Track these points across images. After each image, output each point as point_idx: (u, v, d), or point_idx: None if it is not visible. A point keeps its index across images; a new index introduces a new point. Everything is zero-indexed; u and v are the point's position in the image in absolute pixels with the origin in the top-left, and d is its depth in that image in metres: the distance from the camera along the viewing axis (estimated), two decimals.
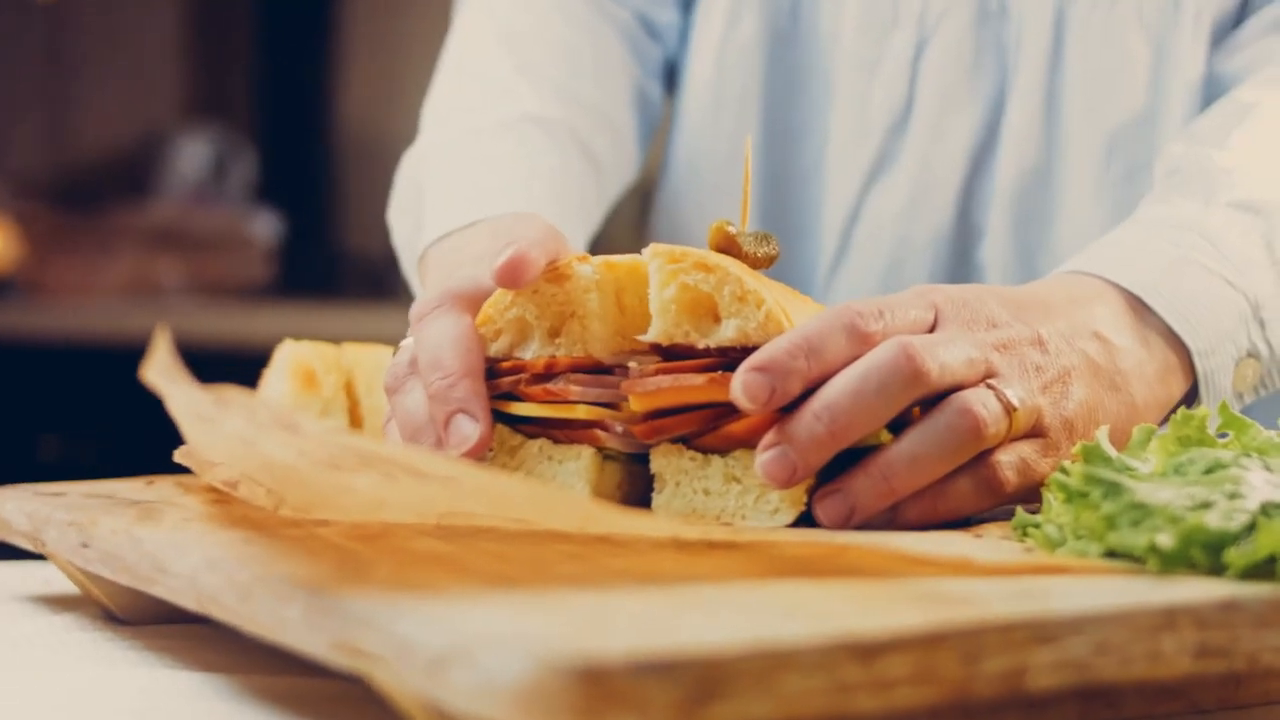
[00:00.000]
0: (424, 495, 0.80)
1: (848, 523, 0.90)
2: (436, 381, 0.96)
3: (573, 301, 0.99)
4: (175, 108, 3.95)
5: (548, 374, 0.98)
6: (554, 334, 0.99)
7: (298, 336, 1.17)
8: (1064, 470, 0.88)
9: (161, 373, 0.81)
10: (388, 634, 0.67)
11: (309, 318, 3.30)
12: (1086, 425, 0.96)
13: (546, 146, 1.31)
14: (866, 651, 0.64)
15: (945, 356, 0.91)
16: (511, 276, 0.97)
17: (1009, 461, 0.93)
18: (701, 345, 0.95)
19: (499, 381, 1.00)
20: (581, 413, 0.98)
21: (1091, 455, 0.87)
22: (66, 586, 1.05)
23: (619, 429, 0.97)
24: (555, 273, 0.99)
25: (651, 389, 0.94)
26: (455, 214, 1.23)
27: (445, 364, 0.96)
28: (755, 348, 0.92)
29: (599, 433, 0.98)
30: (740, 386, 0.89)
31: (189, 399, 0.82)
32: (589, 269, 0.98)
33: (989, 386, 0.92)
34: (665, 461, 0.96)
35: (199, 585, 0.81)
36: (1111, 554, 0.79)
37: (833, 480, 0.91)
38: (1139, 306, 1.04)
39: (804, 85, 1.40)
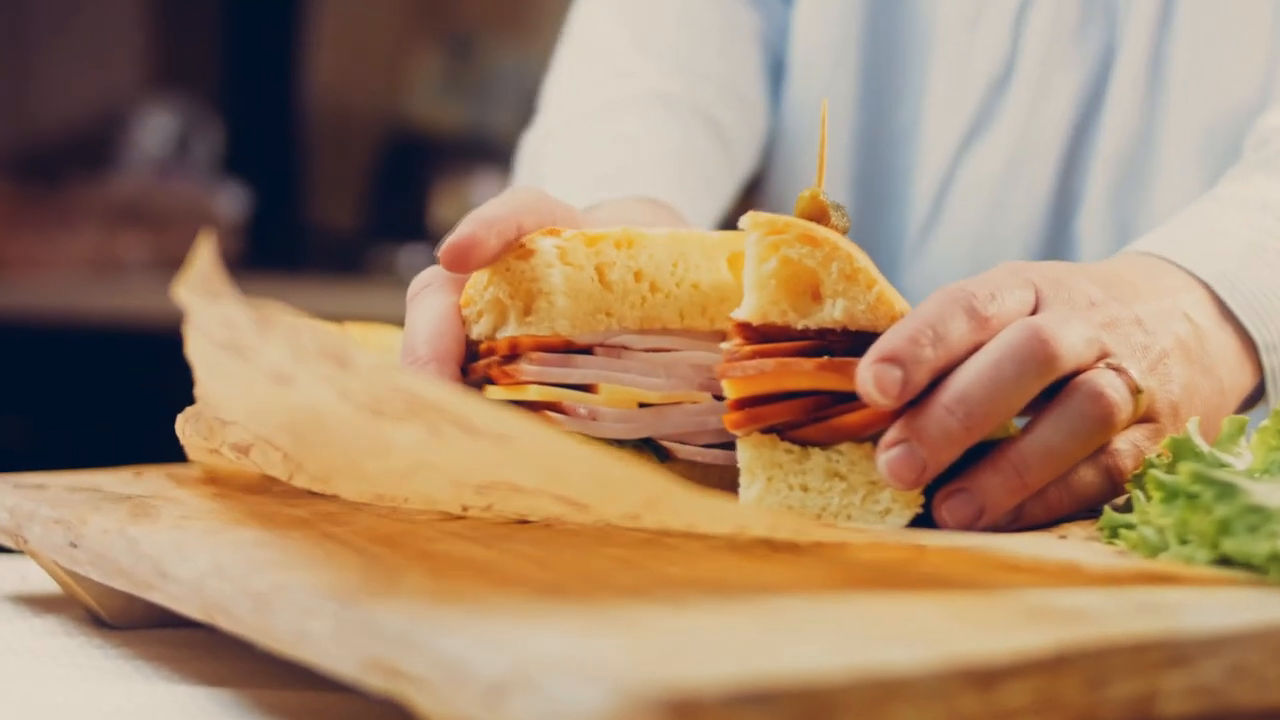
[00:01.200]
0: (470, 456, 0.71)
1: (975, 523, 0.83)
2: (406, 367, 0.91)
3: (538, 278, 0.92)
4: (138, 78, 3.85)
5: (513, 355, 0.92)
6: (527, 312, 0.93)
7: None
8: (1151, 465, 0.81)
9: (199, 287, 0.72)
10: (434, 654, 0.59)
11: (276, 294, 3.21)
12: (1188, 409, 0.90)
13: (667, 123, 1.26)
14: (985, 678, 0.56)
15: (1070, 338, 0.84)
16: (456, 260, 0.91)
17: (1126, 449, 0.86)
18: (800, 326, 0.87)
19: (476, 365, 0.94)
20: (533, 394, 0.91)
21: (1182, 449, 0.80)
22: (47, 585, 0.97)
23: (583, 411, 0.90)
24: (523, 249, 0.92)
25: (752, 373, 0.86)
26: (569, 201, 1.17)
27: (415, 349, 0.92)
28: (859, 333, 0.85)
29: (552, 415, 0.91)
30: (871, 380, 0.81)
31: (223, 321, 0.73)
32: (550, 243, 0.92)
33: (1113, 368, 0.85)
34: (756, 454, 0.87)
35: (205, 592, 0.73)
36: (1223, 561, 0.71)
37: (956, 478, 0.83)
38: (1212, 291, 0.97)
39: (902, 41, 1.34)
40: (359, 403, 0.71)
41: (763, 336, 0.87)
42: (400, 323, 1.19)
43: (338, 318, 1.12)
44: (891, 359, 0.81)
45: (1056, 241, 1.29)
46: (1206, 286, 0.97)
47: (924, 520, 0.85)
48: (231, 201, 3.61)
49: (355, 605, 0.64)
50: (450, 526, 0.81)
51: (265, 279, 3.33)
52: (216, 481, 0.96)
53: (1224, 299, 0.97)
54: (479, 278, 0.94)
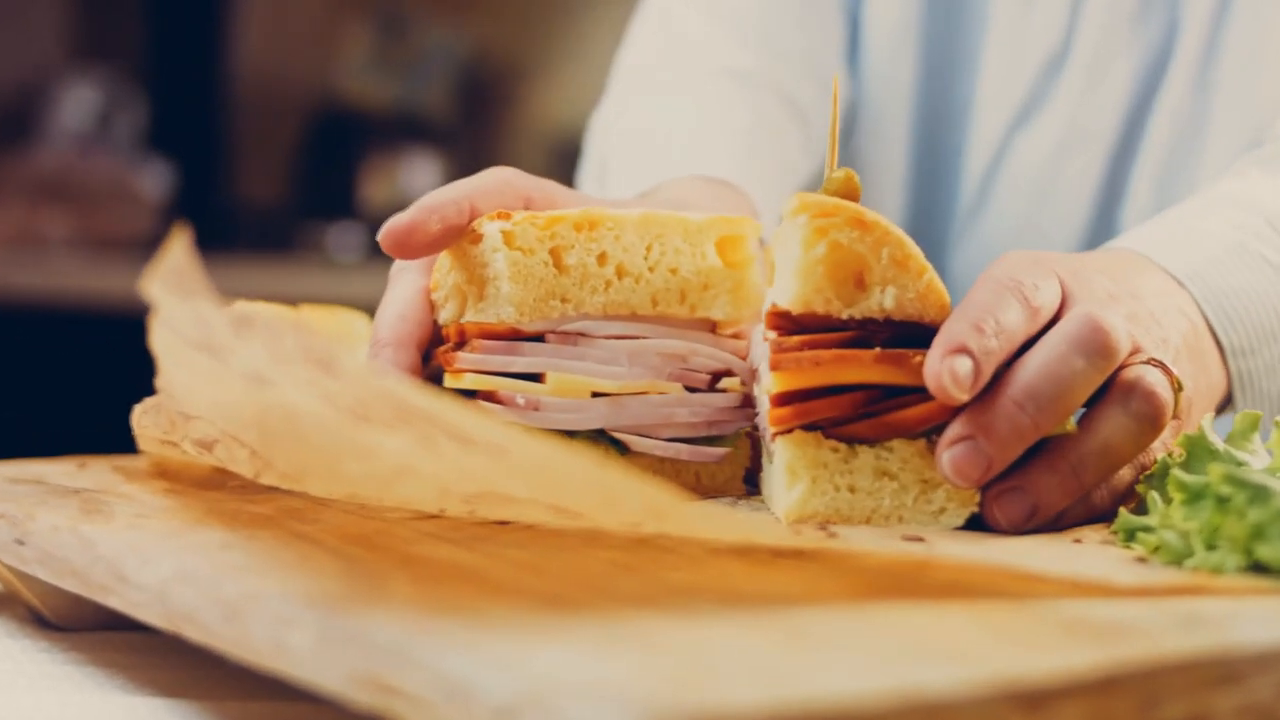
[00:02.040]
0: (460, 467, 0.67)
1: (1028, 524, 0.80)
2: (370, 350, 0.89)
3: (486, 263, 0.88)
4: (60, 50, 3.77)
5: (461, 342, 0.89)
6: (480, 299, 0.89)
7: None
8: (1166, 464, 0.77)
9: (170, 283, 0.67)
10: (434, 671, 0.54)
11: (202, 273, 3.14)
12: (1199, 408, 0.87)
13: (736, 101, 1.22)
14: (1033, 700, 0.52)
15: (1120, 330, 0.81)
16: (394, 245, 0.88)
17: (1157, 447, 0.84)
18: (845, 315, 0.83)
19: (438, 351, 0.91)
20: (468, 382, 0.87)
21: (1197, 447, 0.76)
22: None
23: (520, 401, 0.86)
24: (473, 233, 0.89)
25: (807, 365, 0.81)
26: (632, 181, 1.14)
27: (378, 332, 0.89)
28: (905, 323, 0.81)
29: (486, 405, 0.87)
30: (947, 373, 0.77)
31: (197, 319, 0.68)
32: (495, 227, 0.88)
33: (1155, 364, 0.82)
34: (799, 453, 0.82)
35: (170, 600, 0.68)
36: (1254, 567, 0.68)
37: (1009, 476, 0.80)
38: None
39: (962, 18, 1.30)
40: (344, 408, 0.66)
41: (800, 327, 0.82)
42: (331, 302, 1.15)
43: (266, 297, 1.07)
44: (962, 350, 0.77)
45: (1101, 232, 1.25)
46: (1183, 286, 0.94)
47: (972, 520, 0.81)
48: (155, 178, 3.53)
49: (341, 615, 0.59)
50: (426, 526, 0.76)
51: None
52: (167, 475, 0.91)
53: (1193, 295, 0.94)
54: (444, 262, 0.91)
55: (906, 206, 1.32)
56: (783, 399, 0.81)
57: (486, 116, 3.79)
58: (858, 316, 0.82)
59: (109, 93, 3.61)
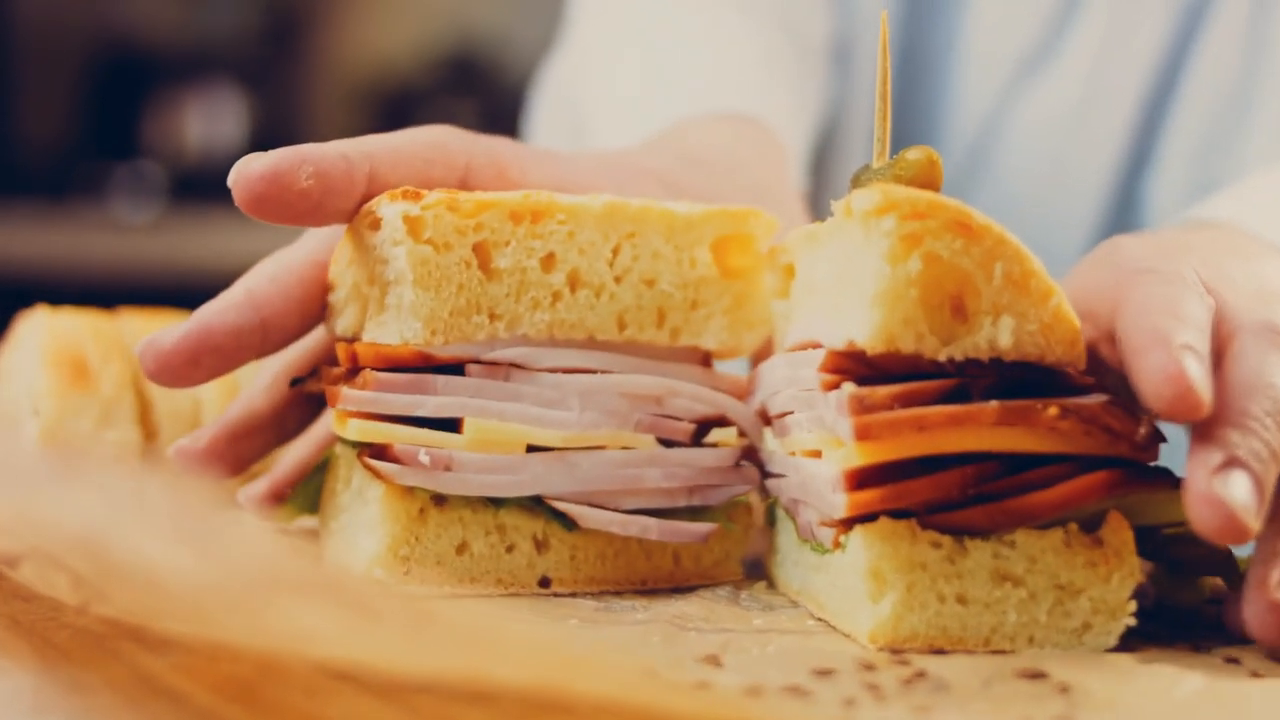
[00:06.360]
0: (373, 644, 0.44)
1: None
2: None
3: (386, 259, 0.66)
4: None
5: (355, 369, 0.66)
6: (382, 308, 0.67)
7: None
8: None
9: None
10: None
11: None
12: None
13: (743, 27, 0.99)
14: None
15: None
16: (247, 196, 0.64)
17: None
18: (943, 357, 0.60)
19: (325, 375, 0.70)
20: (353, 433, 0.65)
21: None
22: None
23: (424, 459, 0.64)
24: (371, 215, 0.66)
25: (907, 429, 0.58)
26: (633, 128, 0.92)
27: (233, 287, 0.69)
28: (1018, 364, 0.60)
29: (373, 463, 0.65)
30: (1189, 369, 0.57)
31: None
32: (397, 210, 0.65)
33: None
34: (888, 549, 0.60)
35: None
36: None
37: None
38: None
39: None
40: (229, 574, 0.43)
41: (878, 372, 0.60)
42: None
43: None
44: (1187, 347, 0.58)
45: (1122, 209, 1.06)
46: None
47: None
48: None
49: None
50: (331, 669, 0.52)
51: None
52: None
53: None
54: (341, 253, 0.68)
55: None
56: (866, 476, 0.59)
57: (292, 49, 3.53)
58: (957, 358, 0.60)
59: None
